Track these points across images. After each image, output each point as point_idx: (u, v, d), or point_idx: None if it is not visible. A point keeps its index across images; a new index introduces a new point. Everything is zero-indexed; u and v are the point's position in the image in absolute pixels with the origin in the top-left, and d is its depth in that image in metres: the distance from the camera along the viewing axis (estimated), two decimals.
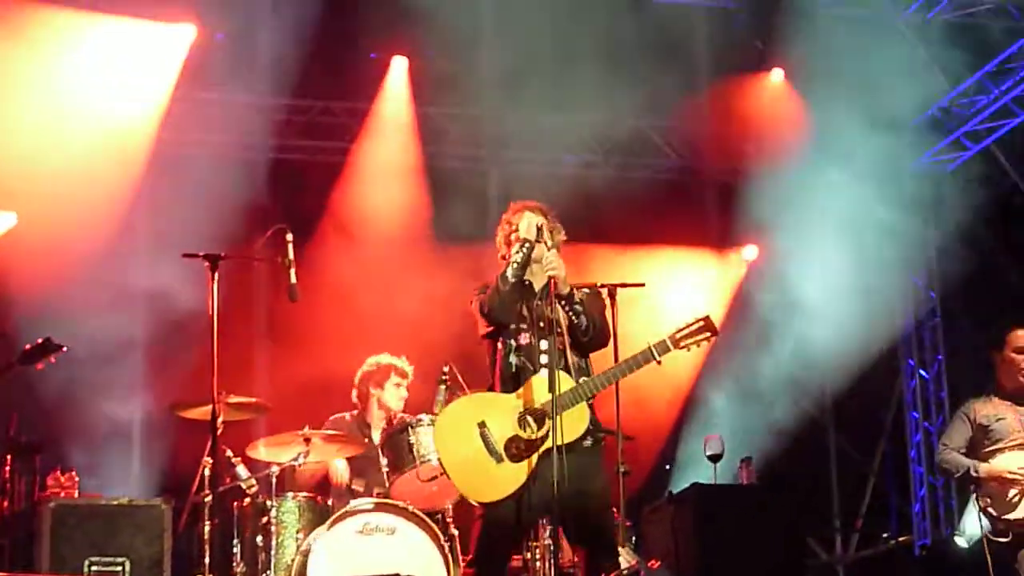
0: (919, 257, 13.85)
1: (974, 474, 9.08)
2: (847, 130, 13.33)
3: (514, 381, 7.27)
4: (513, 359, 7.29)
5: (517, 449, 7.11)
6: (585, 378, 7.24)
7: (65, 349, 8.53)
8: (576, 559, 8.16)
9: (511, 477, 7.10)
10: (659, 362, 7.23)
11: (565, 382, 7.12)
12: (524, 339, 7.31)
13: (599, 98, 13.85)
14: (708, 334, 7.32)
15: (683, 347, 7.31)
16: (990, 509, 9.03)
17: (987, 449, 9.14)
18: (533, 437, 7.10)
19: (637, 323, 11.10)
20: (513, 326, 7.33)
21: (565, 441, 6.93)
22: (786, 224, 13.73)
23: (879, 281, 13.80)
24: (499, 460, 7.12)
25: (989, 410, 9.22)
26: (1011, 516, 8.93)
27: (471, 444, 7.18)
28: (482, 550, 7.24)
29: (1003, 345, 9.18)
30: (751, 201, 13.92)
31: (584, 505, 7.08)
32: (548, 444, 7.02)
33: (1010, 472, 8.92)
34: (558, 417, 6.94)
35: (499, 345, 7.36)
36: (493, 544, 7.23)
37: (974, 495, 9.18)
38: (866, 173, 13.73)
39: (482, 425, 7.18)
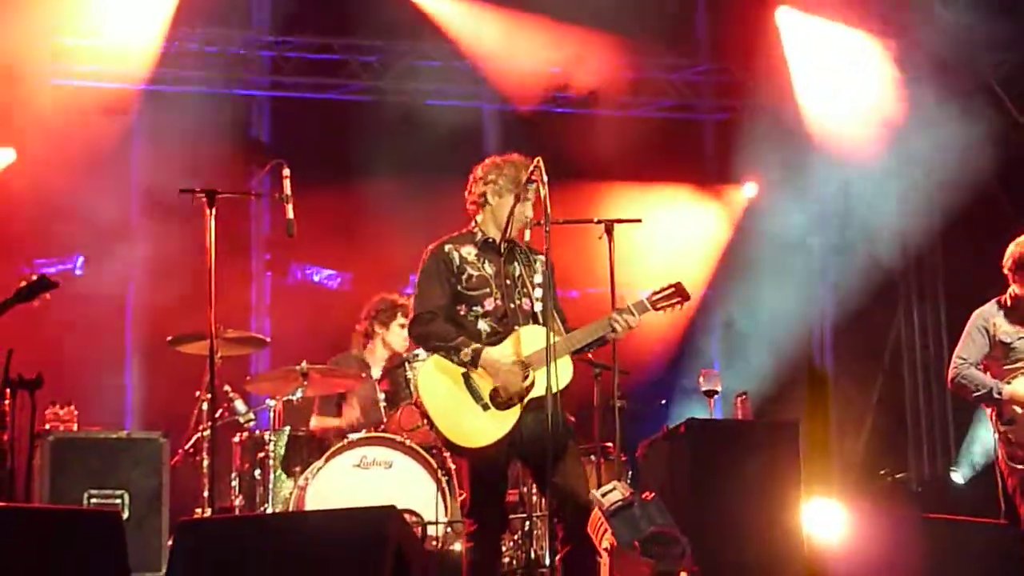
0: (918, 192, 13.80)
1: (996, 396, 8.80)
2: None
3: (484, 343, 7.20)
4: (482, 325, 7.25)
5: (502, 398, 7.12)
6: (568, 332, 7.24)
7: (59, 285, 8.54)
8: None
9: (497, 424, 7.10)
10: (637, 323, 7.25)
11: (544, 336, 7.03)
12: (489, 304, 7.28)
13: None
14: (679, 299, 7.36)
15: (659, 309, 7.35)
16: (1009, 434, 8.79)
17: (1008, 367, 8.88)
18: (525, 385, 7.11)
19: (633, 259, 11.18)
20: (476, 292, 7.28)
21: (552, 391, 6.94)
22: (784, 159, 13.70)
23: (876, 215, 13.78)
24: (485, 408, 7.12)
25: (1010, 328, 8.91)
26: None
27: (456, 391, 7.16)
28: (476, 497, 7.24)
29: (1019, 267, 8.83)
30: (750, 138, 13.90)
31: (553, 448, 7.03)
32: (532, 395, 7.09)
33: None
34: (539, 371, 7.01)
35: (460, 309, 7.29)
36: (485, 490, 7.24)
37: (992, 417, 9.00)
38: None
39: (466, 375, 7.16)
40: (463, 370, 7.15)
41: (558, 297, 7.51)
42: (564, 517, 7.18)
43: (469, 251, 7.35)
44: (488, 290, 7.29)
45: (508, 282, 7.32)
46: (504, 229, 7.31)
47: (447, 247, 7.37)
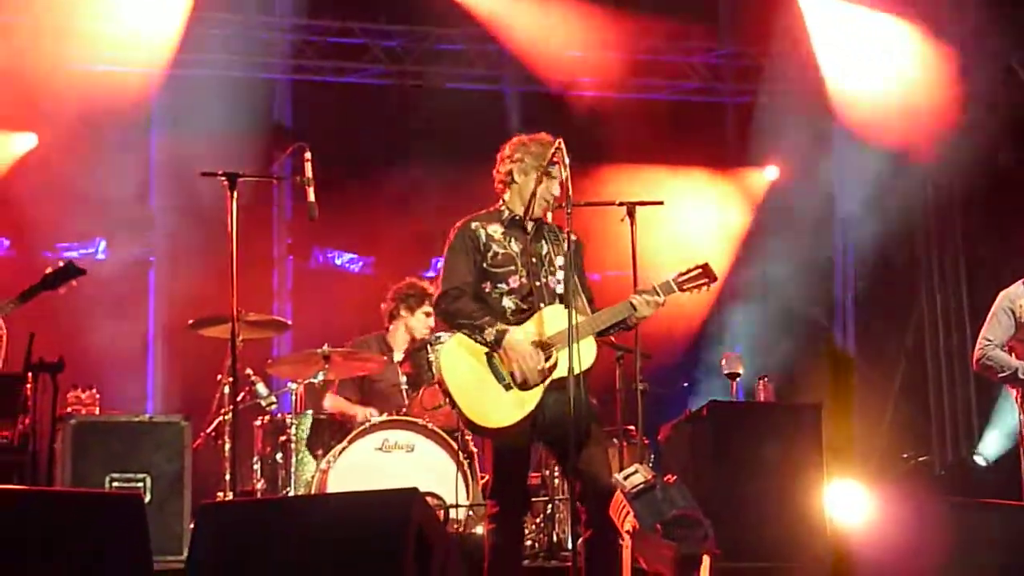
0: (938, 172, 13.76)
1: (1022, 376, 8.78)
2: None
3: (507, 322, 7.17)
4: (507, 302, 7.22)
5: (529, 380, 7.07)
6: (594, 312, 7.20)
7: (86, 272, 8.56)
8: None
9: (519, 404, 7.06)
10: (663, 303, 7.23)
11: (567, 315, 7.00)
12: (514, 282, 7.24)
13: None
14: (706, 280, 7.32)
15: (685, 290, 7.30)
16: None
17: None
18: (543, 368, 7.08)
19: (655, 241, 11.15)
20: (502, 269, 7.25)
21: (575, 371, 6.87)
22: (806, 142, 13.67)
23: (897, 199, 13.74)
24: (507, 388, 7.08)
25: None
26: None
27: (479, 370, 7.11)
28: (499, 478, 7.23)
29: None
30: (772, 121, 13.88)
31: (578, 442, 6.97)
32: (555, 375, 7.05)
33: None
34: (563, 351, 6.94)
35: (486, 287, 7.27)
36: (508, 471, 7.22)
37: (1017, 398, 8.95)
38: None
39: (489, 356, 7.11)
40: (486, 350, 7.11)
41: (587, 278, 7.47)
42: (587, 501, 7.14)
43: (496, 229, 7.31)
44: (513, 268, 7.24)
45: (534, 260, 7.27)
46: (527, 206, 7.27)
47: (474, 224, 7.33)
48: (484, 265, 7.25)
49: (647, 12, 13.81)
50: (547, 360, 7.09)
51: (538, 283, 7.24)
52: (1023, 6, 13.31)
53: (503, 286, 7.24)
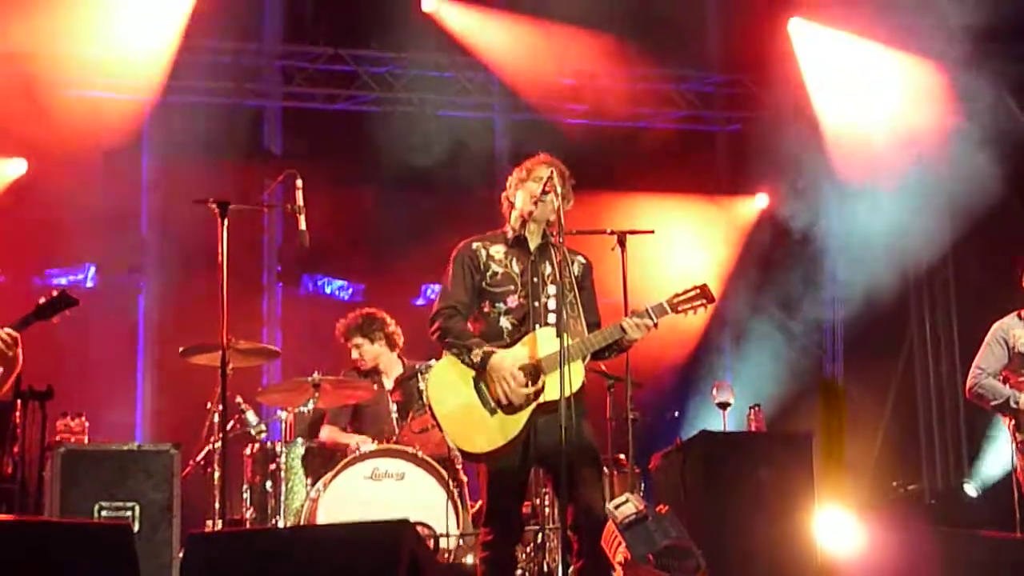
0: (930, 202, 13.78)
1: (1014, 405, 8.82)
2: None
3: (503, 343, 7.21)
4: (504, 322, 7.26)
5: (513, 403, 7.09)
6: (582, 336, 7.18)
7: (79, 302, 8.53)
8: None
9: (504, 429, 7.07)
10: (655, 325, 7.25)
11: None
12: (513, 301, 7.28)
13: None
14: (704, 301, 7.35)
15: (681, 312, 7.33)
16: None
17: None
18: (528, 392, 7.08)
19: (646, 269, 11.14)
20: (500, 289, 7.29)
21: (558, 396, 6.89)
22: (796, 170, 13.68)
23: (887, 228, 13.75)
24: (493, 412, 7.09)
25: None
26: None
27: (465, 395, 7.13)
28: (492, 504, 7.22)
29: None
30: (762, 149, 13.89)
31: (571, 469, 7.00)
32: (542, 399, 7.06)
33: None
34: (550, 375, 7.00)
35: (484, 306, 7.31)
36: (501, 497, 7.21)
37: (1010, 427, 8.97)
38: None
39: (476, 379, 7.14)
40: (473, 373, 7.13)
41: (595, 299, 7.51)
42: (579, 530, 7.13)
43: (498, 249, 7.37)
44: (512, 287, 7.29)
45: (535, 280, 7.30)
46: (525, 223, 7.32)
47: (475, 244, 7.40)
48: (484, 284, 7.31)
49: (637, 40, 13.83)
50: (534, 383, 7.09)
51: (536, 304, 7.27)
52: (1013, 37, 13.35)
53: (501, 305, 7.29)
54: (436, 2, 13.72)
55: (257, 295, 13.74)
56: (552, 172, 7.19)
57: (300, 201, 8.34)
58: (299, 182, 8.37)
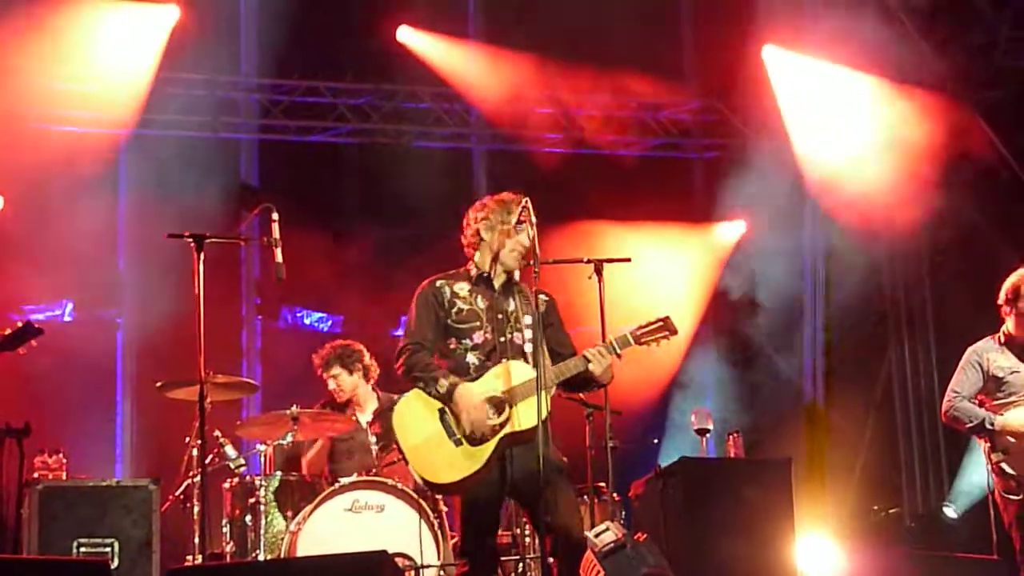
0: (905, 225, 13.83)
1: (989, 426, 8.80)
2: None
3: (469, 377, 7.28)
4: (471, 358, 7.33)
5: (477, 434, 7.17)
6: (548, 367, 7.24)
7: (44, 332, 8.50)
8: None
9: (470, 459, 7.16)
10: (620, 355, 7.34)
11: (526, 372, 7.19)
12: (479, 337, 7.35)
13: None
14: (667, 332, 7.42)
15: (643, 343, 7.40)
16: (1003, 464, 8.77)
17: (1000, 401, 8.91)
18: (493, 423, 7.16)
19: (624, 297, 11.14)
20: (466, 325, 7.36)
21: (524, 427, 7.08)
22: (773, 196, 13.72)
23: (866, 253, 13.79)
24: (458, 443, 7.17)
25: (1003, 361, 8.95)
26: None
27: (430, 427, 7.21)
28: (466, 535, 7.28)
29: (1018, 296, 8.97)
30: (739, 176, 13.93)
31: (546, 497, 7.05)
32: (507, 430, 7.13)
33: None
34: (517, 406, 7.12)
35: (451, 343, 7.38)
36: (475, 526, 7.27)
37: (985, 449, 8.98)
38: None
39: (442, 412, 7.22)
40: (439, 405, 7.22)
41: (565, 333, 7.58)
42: (559, 554, 7.19)
43: (462, 287, 7.44)
44: (478, 323, 7.36)
45: (500, 316, 7.37)
46: (495, 260, 7.38)
47: (439, 283, 7.46)
48: (448, 321, 7.38)
49: (614, 69, 13.88)
50: (500, 415, 7.16)
51: (502, 339, 7.33)
52: (980, 57, 13.44)
53: (467, 342, 7.35)
54: (412, 33, 13.77)
55: (236, 328, 13.73)
56: (526, 201, 7.22)
57: (276, 234, 8.32)
58: (275, 215, 8.35)
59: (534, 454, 6.93)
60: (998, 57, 13.44)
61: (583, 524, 7.41)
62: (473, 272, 7.47)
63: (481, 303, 7.39)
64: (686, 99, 14.79)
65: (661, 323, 7.43)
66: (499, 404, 7.18)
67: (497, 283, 7.45)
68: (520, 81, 13.86)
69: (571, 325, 11.32)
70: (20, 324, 8.25)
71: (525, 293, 7.42)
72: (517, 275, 7.43)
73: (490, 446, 7.14)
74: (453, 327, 7.36)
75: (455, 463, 7.15)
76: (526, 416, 7.09)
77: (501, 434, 7.16)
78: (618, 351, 7.33)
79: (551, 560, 7.20)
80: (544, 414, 7.10)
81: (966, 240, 13.42)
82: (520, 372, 7.19)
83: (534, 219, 7.21)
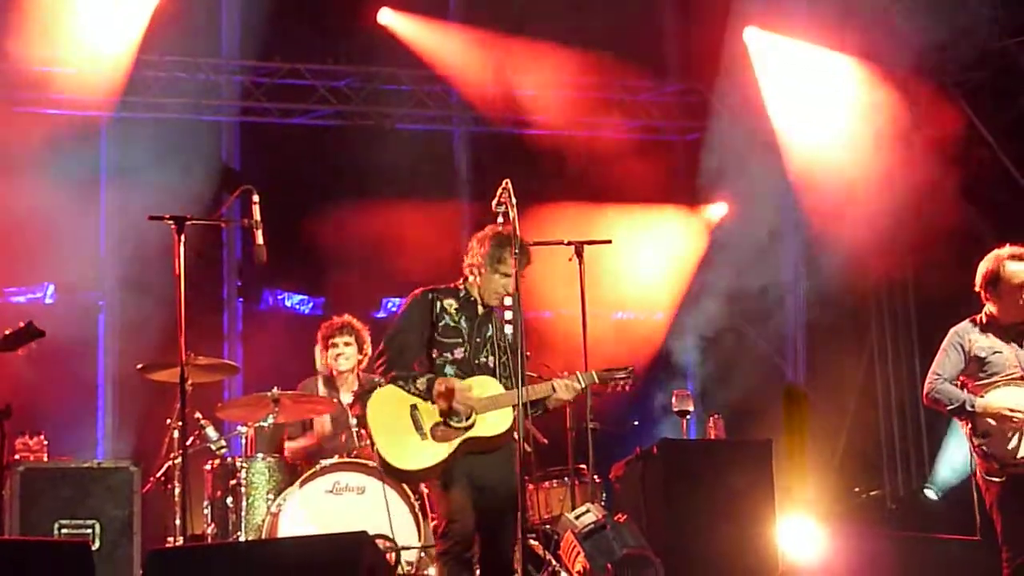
0: (887, 206, 13.84)
1: (969, 408, 8.70)
2: None
3: None
4: (449, 370, 7.77)
5: (442, 433, 7.62)
6: (513, 388, 7.63)
7: (45, 334, 8.49)
8: None
9: (430, 453, 7.62)
10: (583, 390, 7.89)
11: (494, 387, 7.75)
12: (459, 353, 7.82)
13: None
14: (629, 380, 7.99)
15: (605, 384, 7.96)
16: (984, 447, 8.70)
17: (981, 382, 8.81)
18: (459, 427, 7.63)
19: (605, 279, 11.16)
20: (449, 340, 7.81)
21: (486, 434, 7.64)
22: (754, 178, 13.73)
23: (846, 234, 13.80)
24: (423, 437, 7.63)
25: (984, 342, 8.83)
26: (1007, 454, 8.60)
27: (400, 418, 7.68)
28: (445, 515, 7.66)
29: (998, 280, 8.96)
30: (720, 157, 13.94)
31: (496, 522, 7.64)
32: (470, 434, 7.63)
33: (1009, 408, 8.57)
34: (484, 415, 7.67)
35: (433, 353, 7.81)
36: (452, 509, 7.63)
37: (967, 432, 8.98)
38: None
39: (414, 408, 7.68)
40: (412, 402, 7.66)
41: (516, 332, 7.75)
42: (483, 564, 7.69)
43: (451, 303, 7.89)
44: (460, 340, 7.83)
45: (478, 340, 7.84)
46: (482, 296, 7.85)
47: (431, 295, 7.91)
48: (434, 334, 7.84)
49: (595, 51, 13.88)
50: (467, 419, 7.62)
51: (477, 361, 7.83)
52: (963, 39, 13.43)
53: (448, 355, 7.82)
54: (393, 15, 13.75)
55: (217, 310, 13.72)
56: (507, 183, 7.31)
57: (257, 216, 8.32)
58: (255, 197, 8.35)
59: (498, 473, 7.60)
60: (980, 39, 13.43)
61: (513, 550, 7.70)
62: (462, 293, 7.90)
63: (465, 324, 7.86)
64: (667, 81, 14.78)
65: (627, 372, 7.99)
66: (469, 412, 7.63)
67: (480, 310, 7.88)
68: (501, 63, 13.85)
69: (554, 306, 11.39)
70: (22, 324, 8.25)
71: (499, 321, 7.85)
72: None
73: (451, 445, 7.62)
74: (438, 340, 7.83)
75: (417, 455, 7.64)
76: (490, 425, 7.63)
77: (464, 436, 7.61)
78: (583, 385, 7.85)
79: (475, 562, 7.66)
80: (505, 427, 7.64)
81: (948, 221, 13.41)
82: (491, 387, 7.74)
83: (514, 200, 7.25)
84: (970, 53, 13.34)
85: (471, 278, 7.88)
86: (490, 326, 7.86)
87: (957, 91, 13.67)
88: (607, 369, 7.92)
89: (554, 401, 7.86)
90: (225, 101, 13.80)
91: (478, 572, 7.74)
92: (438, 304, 7.84)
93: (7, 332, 8.38)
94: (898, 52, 13.18)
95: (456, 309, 7.85)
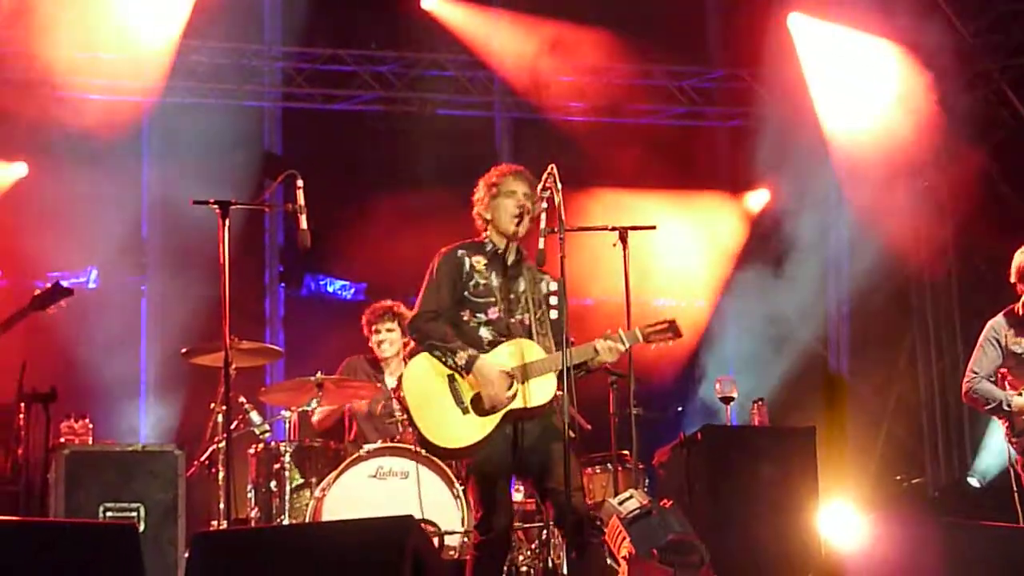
0: (930, 197, 13.78)
1: (1007, 408, 8.81)
2: None
3: (483, 351, 7.32)
4: (484, 332, 7.37)
5: (484, 405, 7.22)
6: (557, 351, 7.29)
7: (73, 293, 8.53)
8: None
9: (474, 428, 7.22)
10: (627, 350, 7.44)
11: (538, 352, 7.28)
12: (493, 313, 7.39)
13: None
14: (672, 334, 7.49)
15: (651, 342, 7.49)
16: (1022, 444, 8.79)
17: (1018, 377, 8.86)
18: (509, 394, 7.21)
19: (648, 266, 11.13)
20: (482, 300, 7.40)
21: (531, 405, 7.18)
22: (797, 165, 13.68)
23: (888, 222, 13.74)
24: (464, 411, 7.23)
25: (1020, 338, 8.93)
26: None
27: (438, 392, 7.27)
28: (482, 506, 7.30)
29: None
30: (763, 144, 13.89)
31: (546, 465, 7.21)
32: (514, 405, 7.20)
33: None
34: (527, 384, 7.21)
35: (464, 315, 7.41)
36: (486, 498, 7.28)
37: (1006, 429, 8.97)
38: None
39: (451, 379, 7.27)
40: (449, 372, 7.27)
41: (561, 318, 7.49)
42: (561, 522, 7.23)
43: (479, 260, 7.46)
44: (493, 300, 7.39)
45: (512, 296, 7.44)
46: (499, 232, 7.46)
47: (460, 252, 7.48)
48: (465, 293, 7.41)
49: (637, 37, 13.85)
50: (508, 389, 7.22)
51: (513, 320, 7.40)
52: (1005, 25, 13.35)
53: (481, 316, 7.39)
54: (436, 1, 13.75)
55: (259, 295, 13.76)
56: (552, 168, 7.21)
57: (301, 201, 8.30)
58: (299, 182, 8.33)
59: (542, 427, 7.17)
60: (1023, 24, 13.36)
61: (584, 493, 7.44)
62: (488, 247, 7.49)
63: (496, 280, 7.43)
64: (710, 67, 14.73)
65: (667, 325, 7.49)
66: (508, 379, 7.23)
67: (510, 260, 7.49)
68: (543, 48, 13.83)
69: (596, 293, 11.36)
70: (49, 285, 8.28)
71: (534, 272, 7.50)
72: (542, 242, 7.38)
73: (495, 419, 7.21)
74: (469, 300, 7.39)
75: (458, 430, 7.22)
76: (535, 394, 7.21)
77: (507, 408, 7.21)
78: (626, 345, 7.41)
79: (555, 527, 7.36)
80: (551, 395, 7.24)
81: (991, 208, 13.35)
82: (532, 351, 7.27)
83: (559, 186, 7.19)
84: (1013, 39, 13.27)
85: (488, 230, 7.51)
86: (521, 280, 7.48)
87: (1000, 76, 13.59)
88: (649, 326, 7.48)
89: (597, 363, 7.44)
90: (267, 87, 13.84)
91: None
92: (467, 261, 7.42)
93: (36, 293, 8.42)
94: (941, 37, 13.12)
95: (485, 265, 7.43)
